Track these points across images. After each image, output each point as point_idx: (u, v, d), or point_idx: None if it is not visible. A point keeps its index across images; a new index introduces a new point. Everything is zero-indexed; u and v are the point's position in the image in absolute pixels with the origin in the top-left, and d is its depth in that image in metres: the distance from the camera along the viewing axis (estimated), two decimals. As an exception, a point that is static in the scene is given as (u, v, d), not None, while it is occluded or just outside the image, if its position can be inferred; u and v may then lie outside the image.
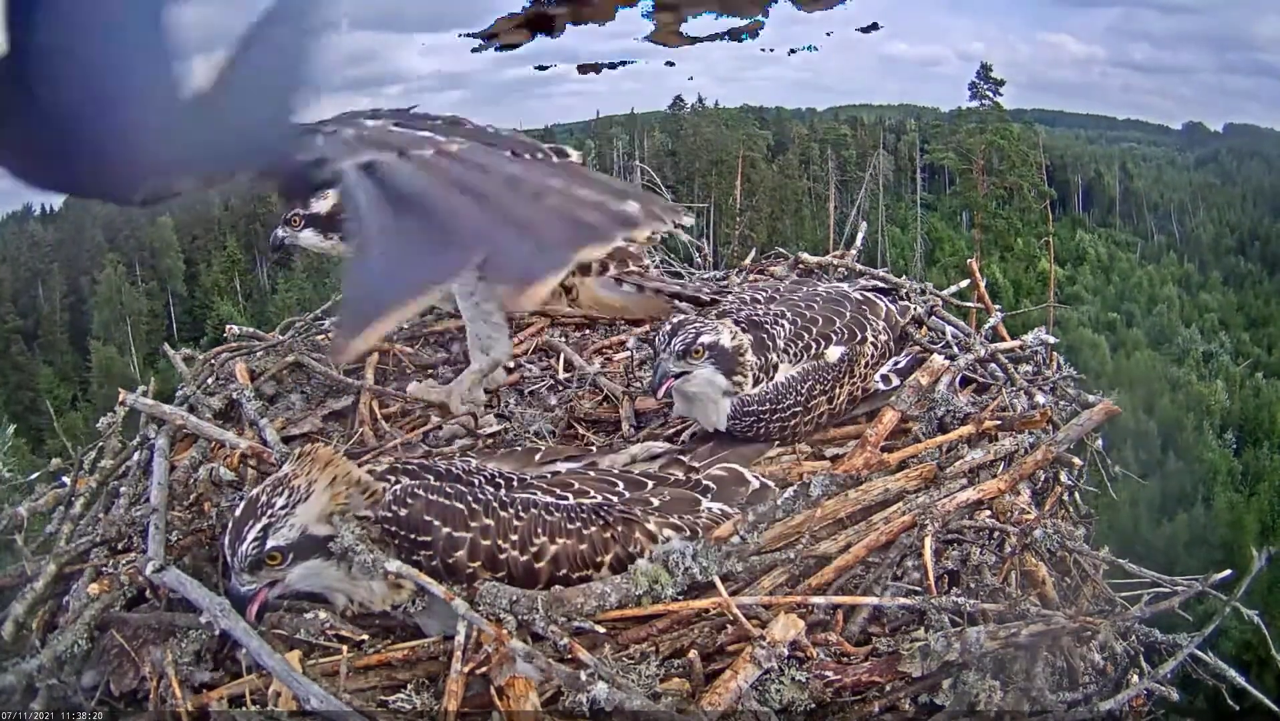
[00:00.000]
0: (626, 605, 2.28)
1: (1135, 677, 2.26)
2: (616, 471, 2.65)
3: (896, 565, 2.47)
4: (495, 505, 2.32)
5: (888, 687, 2.14)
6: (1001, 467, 2.81)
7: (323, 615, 2.28)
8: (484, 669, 2.10)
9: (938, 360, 3.16)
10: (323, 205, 3.53)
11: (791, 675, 2.11)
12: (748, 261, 5.04)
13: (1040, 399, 3.19)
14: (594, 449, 3.10)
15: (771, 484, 2.76)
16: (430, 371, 4.00)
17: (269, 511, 2.15)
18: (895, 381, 3.29)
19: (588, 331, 4.34)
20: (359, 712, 2.03)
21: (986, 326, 3.88)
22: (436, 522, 2.25)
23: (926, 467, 2.76)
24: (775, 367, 3.14)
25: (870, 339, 3.27)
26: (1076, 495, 3.15)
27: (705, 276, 4.75)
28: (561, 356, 3.99)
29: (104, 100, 1.58)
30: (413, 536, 2.24)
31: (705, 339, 3.00)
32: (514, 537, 2.28)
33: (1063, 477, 3.04)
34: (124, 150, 1.61)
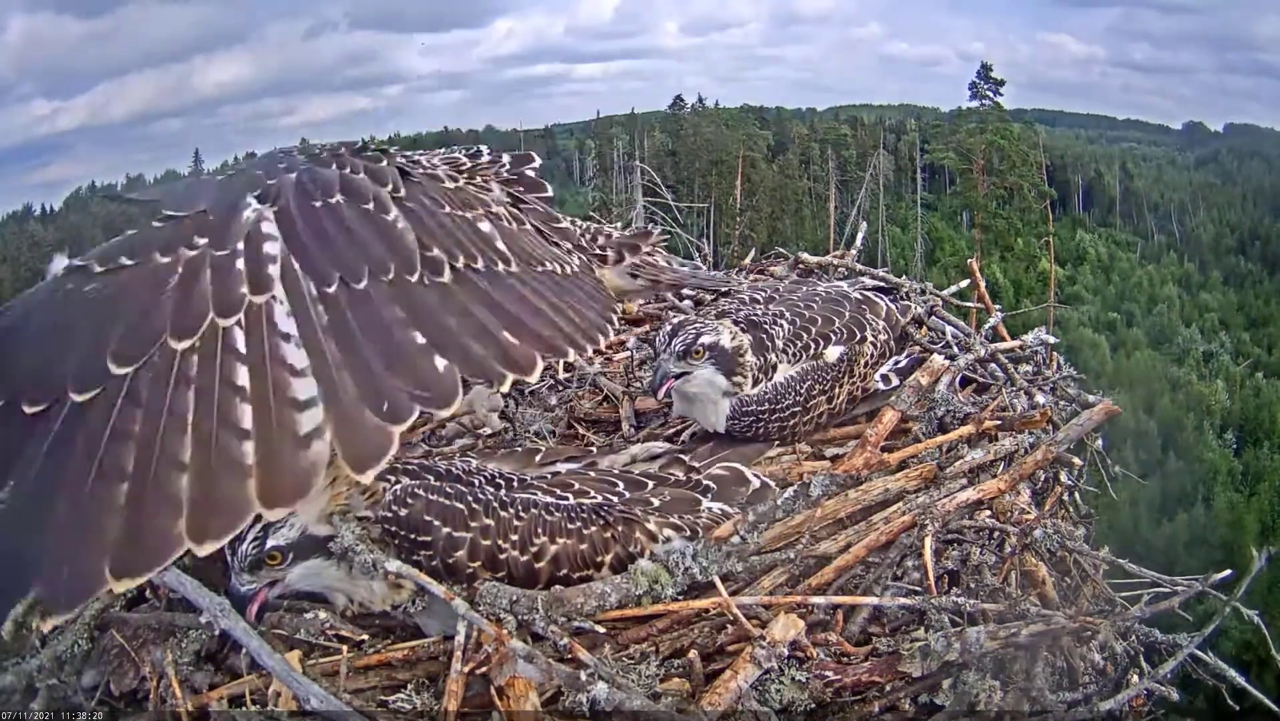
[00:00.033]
0: (626, 605, 2.28)
1: (1135, 677, 2.26)
2: (617, 471, 2.65)
3: (896, 565, 2.47)
4: (495, 505, 2.32)
5: (888, 687, 2.14)
6: (1001, 467, 2.81)
7: (323, 615, 2.29)
8: (484, 669, 2.10)
9: (938, 360, 3.17)
10: None
11: (791, 675, 2.11)
12: (748, 261, 5.05)
13: (1040, 399, 3.19)
14: (594, 449, 3.11)
15: (772, 483, 2.76)
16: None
17: (269, 511, 2.15)
18: (895, 381, 3.29)
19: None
20: (359, 712, 2.03)
21: (986, 326, 3.88)
22: (436, 522, 2.25)
23: (926, 467, 2.77)
24: (774, 368, 3.14)
25: (870, 338, 3.27)
26: (1076, 495, 3.15)
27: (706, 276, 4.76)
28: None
29: None
30: (413, 536, 2.24)
31: (705, 339, 3.00)
32: (514, 538, 2.28)
33: (1063, 477, 3.04)
34: None
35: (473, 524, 2.27)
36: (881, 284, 3.87)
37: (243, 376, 1.70)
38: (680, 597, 2.32)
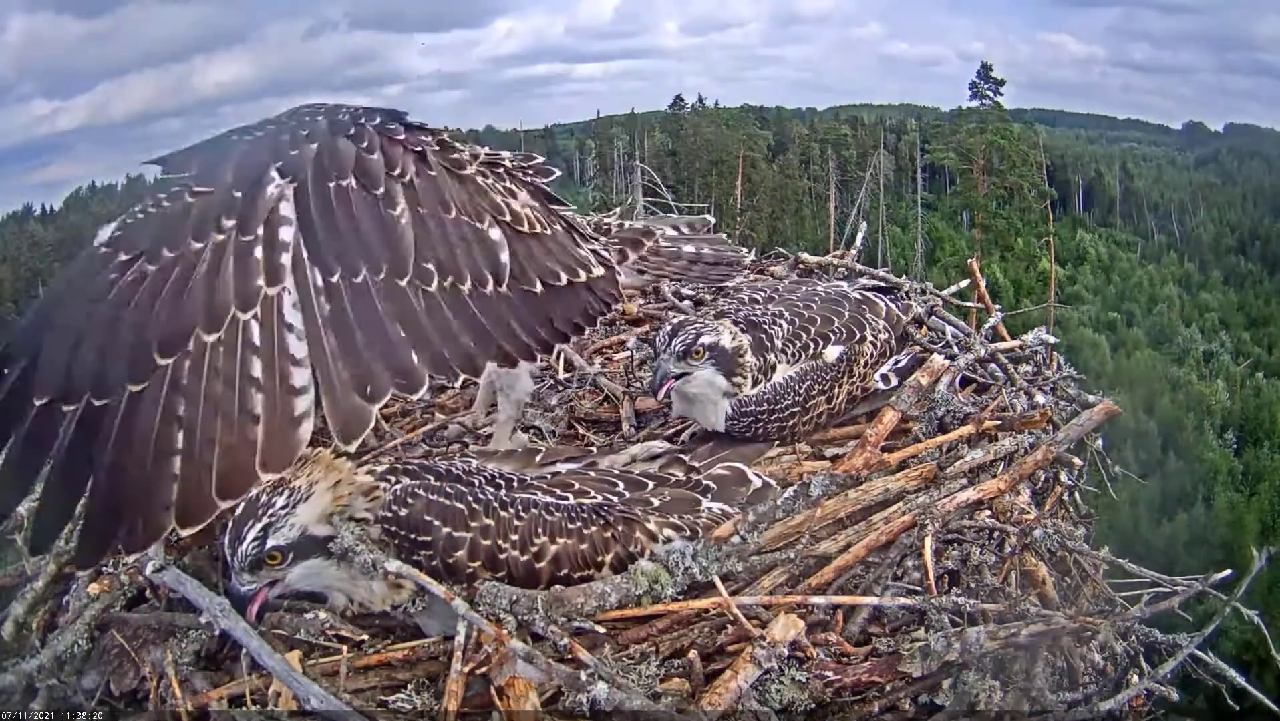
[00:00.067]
0: (626, 605, 2.28)
1: (1135, 677, 2.26)
2: (617, 471, 2.65)
3: (896, 565, 2.47)
4: (495, 505, 2.32)
5: (888, 687, 2.15)
6: (1001, 467, 2.81)
7: (323, 615, 2.29)
8: (484, 669, 2.10)
9: (938, 360, 3.17)
10: None
11: (791, 675, 2.11)
12: (748, 261, 5.04)
13: (1040, 399, 3.19)
14: (594, 449, 3.11)
15: (772, 483, 2.76)
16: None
17: (269, 511, 2.15)
18: (895, 380, 3.29)
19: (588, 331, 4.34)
20: (359, 712, 2.03)
21: (986, 326, 3.89)
22: (436, 522, 2.25)
23: (926, 467, 2.77)
24: (773, 368, 3.14)
25: (869, 338, 3.27)
26: (1076, 495, 3.15)
27: None
28: (561, 356, 3.99)
29: None
30: (413, 536, 2.24)
31: (705, 340, 3.00)
32: (514, 538, 2.28)
33: (1063, 477, 3.04)
34: None
35: (473, 524, 2.27)
36: (881, 284, 3.87)
37: (256, 368, 2.05)
38: (680, 597, 2.32)
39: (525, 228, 2.54)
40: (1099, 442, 3.28)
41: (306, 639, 2.25)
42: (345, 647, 2.22)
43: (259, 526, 2.14)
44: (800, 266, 4.67)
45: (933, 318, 3.83)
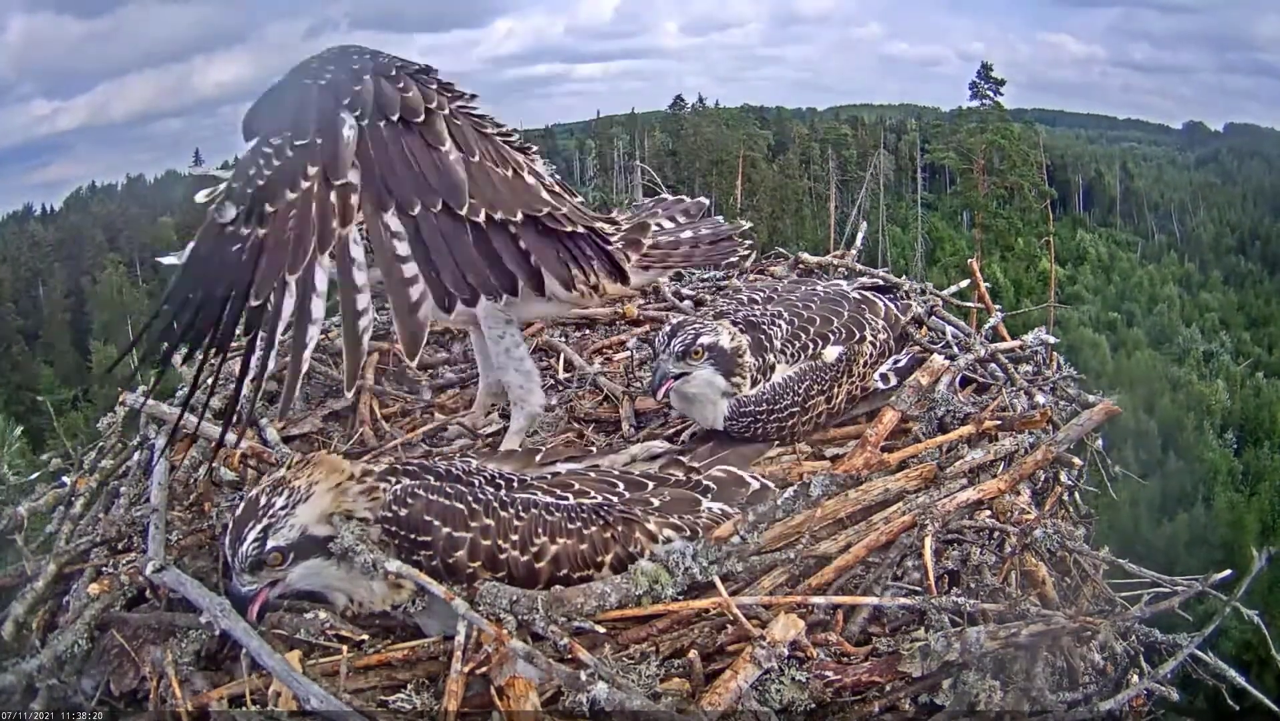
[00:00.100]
0: (626, 605, 2.28)
1: (1135, 677, 2.26)
2: (617, 471, 2.65)
3: (896, 565, 2.47)
4: (495, 505, 2.32)
5: (888, 687, 2.14)
6: (1001, 467, 2.81)
7: (323, 615, 2.28)
8: (484, 669, 2.10)
9: (938, 360, 3.16)
10: None
11: (791, 675, 2.11)
12: (748, 262, 5.04)
13: (1040, 399, 3.19)
14: (594, 449, 3.10)
15: (771, 484, 2.76)
16: (430, 370, 4.01)
17: (269, 511, 2.15)
18: (894, 380, 3.29)
19: (588, 331, 4.34)
20: (359, 712, 2.03)
21: (987, 326, 3.88)
22: (436, 522, 2.25)
23: (926, 467, 2.76)
24: (772, 368, 3.14)
25: (869, 338, 3.27)
26: (1076, 495, 3.15)
27: (705, 276, 4.76)
28: (561, 356, 3.99)
29: None
30: (413, 536, 2.24)
31: (705, 340, 3.00)
32: (514, 538, 2.28)
33: (1063, 477, 3.04)
34: None
35: (473, 524, 2.27)
36: (881, 283, 3.86)
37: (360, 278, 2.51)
38: (680, 597, 2.32)
39: (548, 183, 2.87)
40: (1099, 442, 3.28)
41: (306, 639, 2.24)
42: (345, 647, 2.22)
43: (259, 527, 2.14)
44: (800, 266, 4.67)
45: (933, 317, 3.83)
